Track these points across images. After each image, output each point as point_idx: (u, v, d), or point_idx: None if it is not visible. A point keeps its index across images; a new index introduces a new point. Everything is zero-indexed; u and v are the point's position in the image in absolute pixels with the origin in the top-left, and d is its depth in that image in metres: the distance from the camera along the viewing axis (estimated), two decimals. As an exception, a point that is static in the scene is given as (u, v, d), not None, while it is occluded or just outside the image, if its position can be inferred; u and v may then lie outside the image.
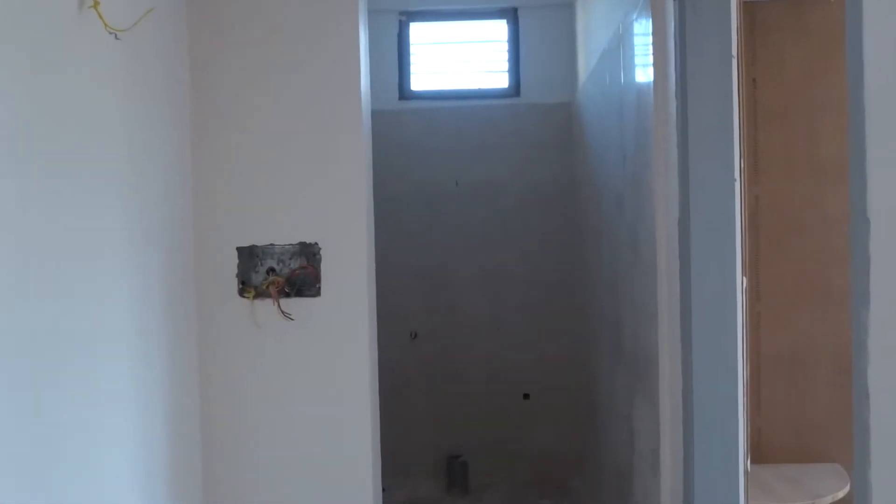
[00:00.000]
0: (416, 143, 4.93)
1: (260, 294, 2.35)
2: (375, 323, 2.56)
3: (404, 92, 4.98)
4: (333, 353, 2.37)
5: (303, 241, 2.37)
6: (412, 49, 4.99)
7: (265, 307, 2.34)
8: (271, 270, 2.39)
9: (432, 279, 4.93)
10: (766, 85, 3.08)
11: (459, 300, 4.92)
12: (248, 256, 2.38)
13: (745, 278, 2.32)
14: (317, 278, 2.37)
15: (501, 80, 4.99)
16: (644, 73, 2.58)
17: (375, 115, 5.21)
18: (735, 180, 2.24)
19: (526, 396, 4.90)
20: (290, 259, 2.39)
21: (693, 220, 2.24)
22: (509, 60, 4.96)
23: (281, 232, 2.37)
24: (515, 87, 4.94)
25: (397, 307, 4.93)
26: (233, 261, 2.36)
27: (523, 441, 4.90)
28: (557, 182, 4.88)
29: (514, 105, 4.92)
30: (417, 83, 5.01)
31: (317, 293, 2.37)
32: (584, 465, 4.64)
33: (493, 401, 4.91)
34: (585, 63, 4.26)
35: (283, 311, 2.30)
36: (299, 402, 2.37)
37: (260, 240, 2.37)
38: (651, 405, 2.62)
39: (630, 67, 2.88)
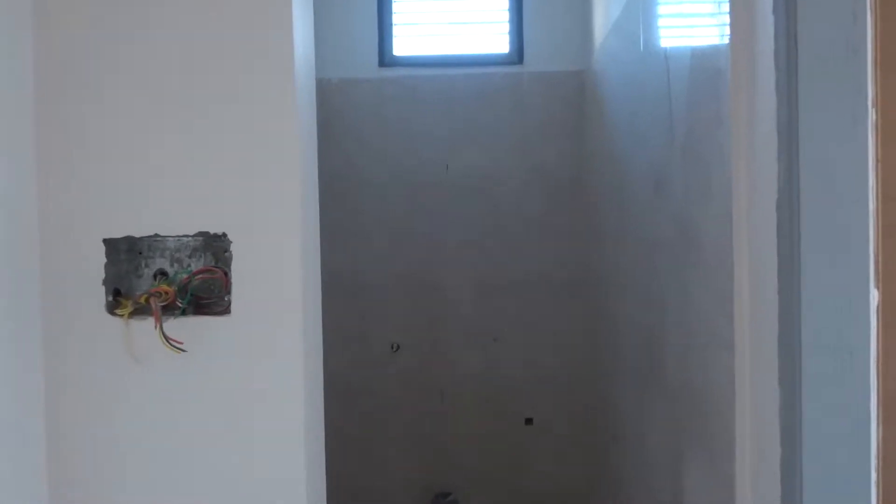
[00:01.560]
0: (399, 120, 4.13)
1: (141, 310, 1.55)
2: (319, 357, 1.77)
3: (385, 57, 4.18)
4: (250, 401, 1.57)
5: (204, 230, 1.57)
6: (395, 6, 4.18)
7: (148, 330, 1.54)
8: (161, 275, 1.59)
9: (417, 281, 4.13)
10: None
11: (449, 306, 4.13)
12: (126, 254, 1.58)
13: (877, 291, 1.54)
14: (226, 287, 1.57)
15: (501, 45, 4.19)
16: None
17: (349, 85, 4.47)
18: (868, 147, 1.45)
19: (528, 422, 4.12)
20: (191, 258, 1.59)
21: (804, 204, 1.46)
22: (510, 21, 4.17)
23: (173, 218, 1.57)
24: (518, 53, 4.15)
25: (375, 314, 4.13)
26: (98, 259, 1.56)
27: (524, 475, 4.11)
28: (567, 166, 4.09)
29: (516, 74, 4.12)
30: (401, 47, 4.21)
31: (225, 309, 1.57)
32: (595, 501, 3.86)
33: (488, 427, 4.12)
34: (604, 20, 3.47)
35: (167, 339, 1.50)
36: (198, 476, 1.57)
37: (141, 228, 1.57)
38: (714, 469, 1.84)
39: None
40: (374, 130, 4.13)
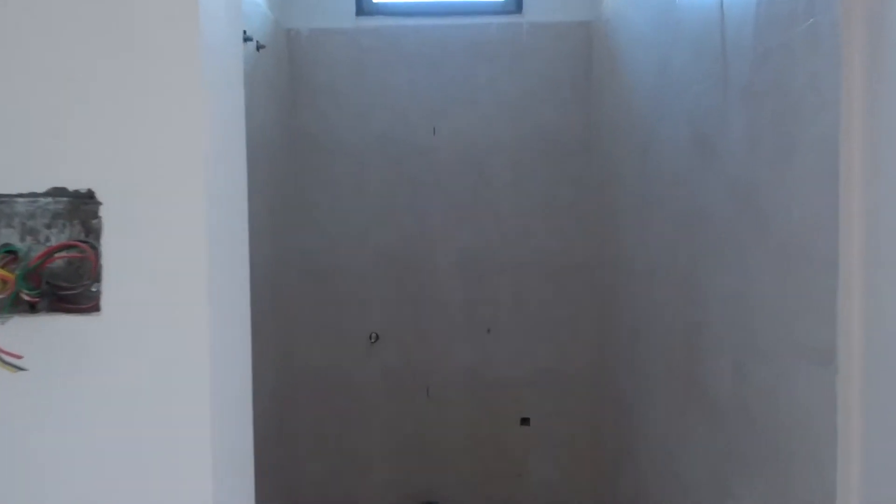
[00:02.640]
0: (380, 76, 3.59)
1: (-33, 307, 1.03)
2: (241, 371, 1.26)
3: (363, 5, 3.63)
4: (127, 440, 1.06)
5: (61, 186, 1.04)
6: (375, -55, 3.63)
7: (-21, 335, 1.02)
8: (7, 253, 1.07)
9: (400, 263, 3.62)
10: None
11: (436, 291, 3.62)
12: (-51, 222, 1.06)
13: None
14: (94, 271, 1.05)
15: (497, -9, 3.65)
16: None
17: (322, 36, 3.88)
18: None
19: (524, 421, 3.63)
20: (51, 228, 1.07)
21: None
22: (508, -37, 3.62)
23: (25, 172, 1.05)
24: (516, 1, 3.60)
25: (352, 300, 3.62)
26: None
27: (519, 483, 3.62)
28: (573, 130, 3.56)
29: (514, 25, 3.58)
30: (382, -7, 3.66)
31: (92, 305, 1.05)
32: (602, 519, 3.39)
33: (479, 427, 3.63)
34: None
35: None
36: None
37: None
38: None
39: None
40: (351, 89, 3.59)
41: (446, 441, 3.63)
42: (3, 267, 1.02)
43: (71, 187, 1.04)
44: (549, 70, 3.55)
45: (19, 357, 0.99)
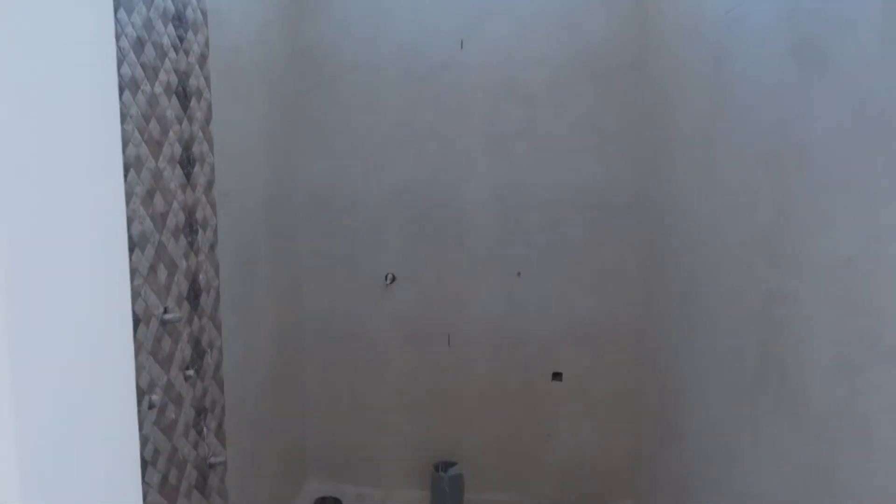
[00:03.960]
0: (400, -23, 3.07)
1: None
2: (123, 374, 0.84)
3: None
4: None
5: None
6: None
7: None
8: None
9: (420, 196, 3.18)
10: None
11: (460, 228, 3.18)
12: None
13: None
14: None
15: None
16: None
17: None
18: None
19: (556, 377, 3.23)
20: None
21: None
22: None
23: None
24: None
25: (366, 236, 3.22)
26: None
27: (548, 443, 3.26)
28: (621, 41, 3.02)
29: (560, -85, 3.00)
30: None
31: None
32: (638, 483, 3.02)
33: (505, 382, 3.24)
34: None
35: None
36: None
37: None
38: None
39: None
40: (366, -8, 3.09)
41: (468, 395, 3.26)
42: None
43: None
44: (599, -30, 2.99)
45: None
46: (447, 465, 3.20)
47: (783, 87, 1.51)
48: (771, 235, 1.58)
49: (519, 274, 3.17)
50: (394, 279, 3.24)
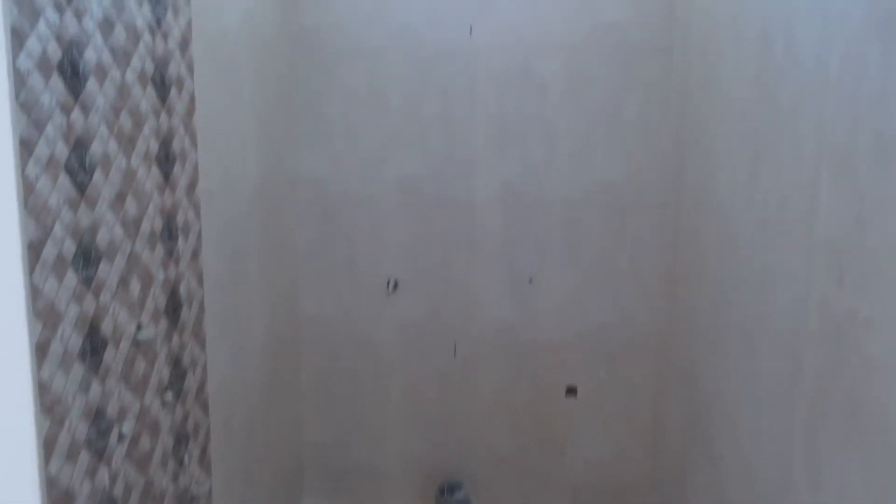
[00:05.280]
0: (404, -42, 2.83)
1: None
2: None
3: None
4: None
5: None
6: None
7: None
8: None
9: (425, 194, 2.95)
10: None
11: (468, 230, 2.96)
12: None
13: None
14: None
15: None
16: None
17: None
18: None
19: (570, 391, 3.00)
20: None
21: None
22: None
23: None
24: None
25: (366, 237, 2.99)
26: None
27: (562, 462, 3.04)
28: (646, 23, 2.78)
29: None
30: None
31: None
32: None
33: (515, 395, 3.02)
34: None
35: None
36: None
37: None
38: None
39: None
40: (367, -27, 2.85)
41: (475, 410, 3.04)
42: None
43: None
44: (621, -51, 2.75)
45: None
46: (453, 486, 2.98)
47: (857, 68, 1.28)
48: (838, 247, 1.36)
49: (531, 280, 2.95)
50: (396, 286, 3.01)
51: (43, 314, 1.30)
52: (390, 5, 2.85)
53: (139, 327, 1.69)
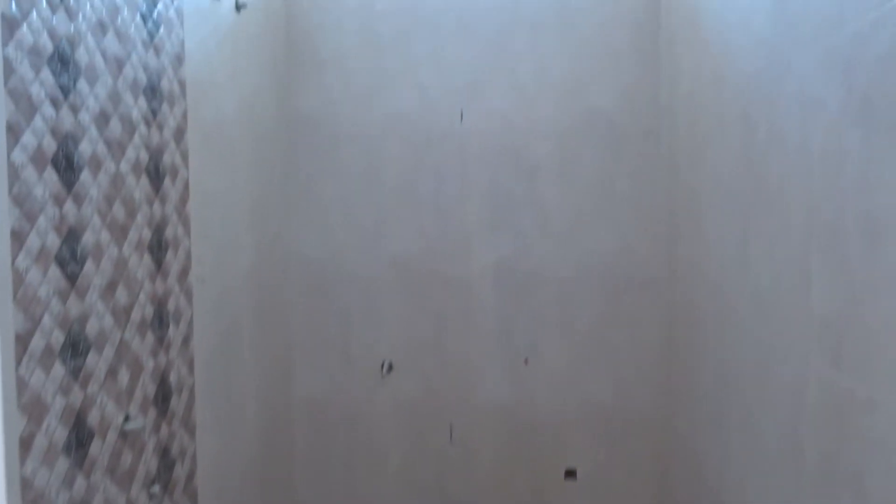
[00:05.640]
0: (396, 46, 2.93)
1: None
2: None
3: (376, -41, 2.96)
4: None
5: None
6: None
7: None
8: None
9: (419, 274, 2.95)
10: None
11: (463, 310, 2.95)
12: None
13: None
14: None
15: (541, -61, 2.95)
16: None
17: None
18: None
19: (570, 474, 2.93)
20: None
21: None
22: None
23: None
24: (564, -49, 2.90)
25: (361, 318, 2.98)
26: None
27: (565, 549, 2.94)
28: (634, 107, 2.85)
29: (562, -20, 2.88)
30: (399, -55, 2.99)
31: None
32: None
33: (513, 479, 2.95)
34: None
35: None
36: None
37: None
38: None
39: None
40: (361, 62, 2.94)
41: (473, 494, 2.96)
42: None
43: None
44: (605, 38, 2.85)
45: None
46: (452, 574, 2.88)
47: (838, 151, 1.31)
48: (833, 325, 1.35)
49: (527, 360, 2.92)
50: (391, 368, 2.98)
51: (28, 407, 1.28)
52: (384, 92, 2.93)
53: (127, 418, 1.66)
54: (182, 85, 1.98)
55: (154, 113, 1.82)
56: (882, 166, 1.16)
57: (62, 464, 1.39)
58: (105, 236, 1.57)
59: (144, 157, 1.76)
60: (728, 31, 2.00)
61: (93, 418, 1.51)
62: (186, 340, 1.99)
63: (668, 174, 2.72)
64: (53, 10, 1.38)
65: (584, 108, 2.86)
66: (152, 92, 1.81)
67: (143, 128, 1.76)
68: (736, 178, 1.93)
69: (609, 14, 2.85)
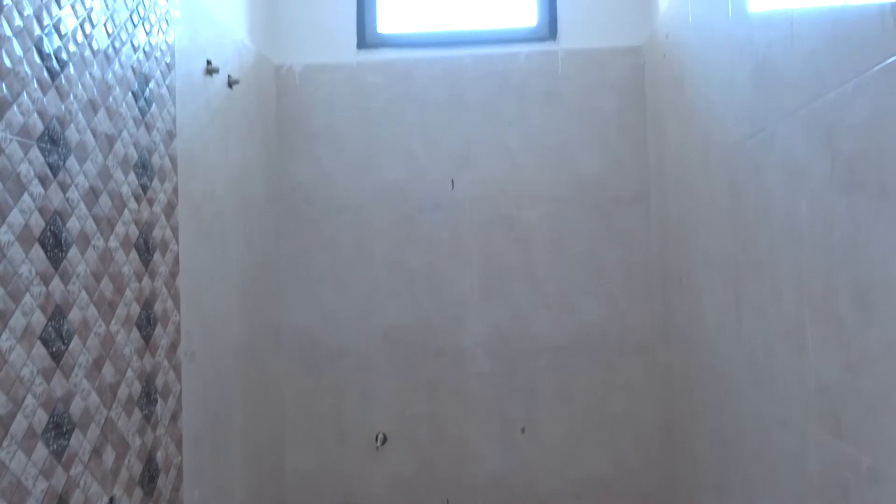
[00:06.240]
0: (387, 119, 2.97)
1: None
2: None
3: (366, 36, 3.04)
4: None
5: None
6: (379, -34, 3.06)
7: None
8: None
9: (413, 345, 2.93)
10: None
11: (457, 380, 2.91)
12: None
13: None
14: None
15: (527, 16, 3.04)
16: None
17: (318, 73, 2.96)
18: None
19: (571, 549, 2.84)
20: None
21: None
22: (539, -19, 3.02)
23: None
24: (549, 26, 2.98)
25: (353, 391, 2.94)
26: None
27: None
28: (622, 175, 2.88)
29: (548, 54, 2.95)
30: (387, 23, 3.08)
31: None
32: None
33: (514, 555, 2.85)
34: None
35: None
36: None
37: None
38: None
39: None
40: (352, 134, 2.98)
41: (472, 573, 2.86)
42: None
43: None
44: (591, 106, 2.90)
45: None
46: None
47: (826, 220, 1.31)
48: (831, 394, 1.33)
49: (523, 430, 2.87)
50: (385, 440, 2.91)
51: (7, 493, 1.24)
52: (374, 162, 2.96)
53: (111, 500, 1.60)
54: (173, 160, 2.00)
55: (144, 188, 1.83)
56: (870, 233, 1.16)
57: (41, 552, 1.33)
58: (92, 313, 1.55)
59: (134, 232, 1.76)
60: (712, 98, 2.04)
61: (76, 502, 1.46)
62: (175, 417, 1.95)
63: (659, 239, 2.73)
64: (44, 90, 1.39)
65: (573, 174, 2.89)
66: (143, 168, 1.82)
67: (133, 203, 1.76)
68: (726, 243, 1.93)
69: (594, 82, 2.91)
